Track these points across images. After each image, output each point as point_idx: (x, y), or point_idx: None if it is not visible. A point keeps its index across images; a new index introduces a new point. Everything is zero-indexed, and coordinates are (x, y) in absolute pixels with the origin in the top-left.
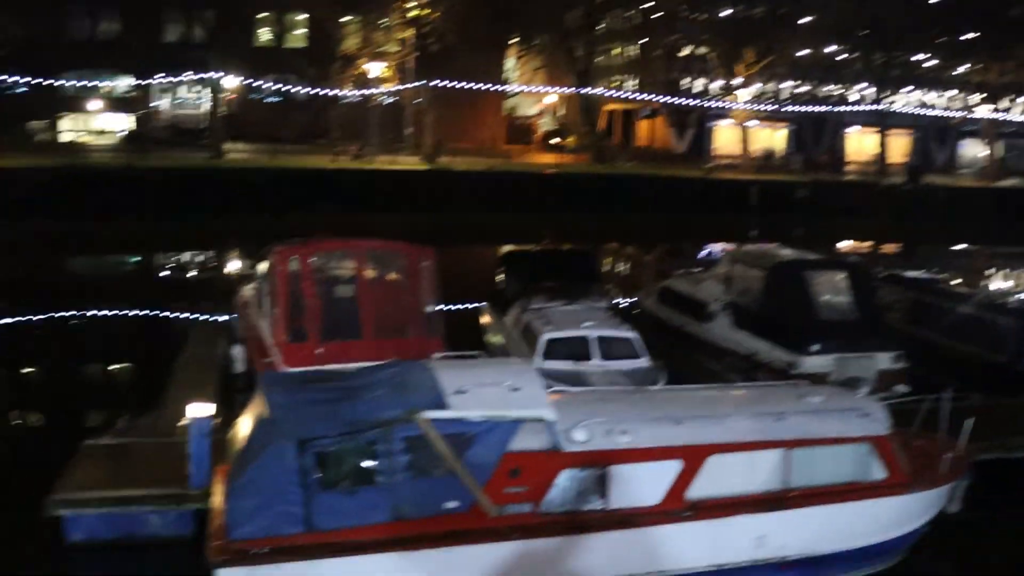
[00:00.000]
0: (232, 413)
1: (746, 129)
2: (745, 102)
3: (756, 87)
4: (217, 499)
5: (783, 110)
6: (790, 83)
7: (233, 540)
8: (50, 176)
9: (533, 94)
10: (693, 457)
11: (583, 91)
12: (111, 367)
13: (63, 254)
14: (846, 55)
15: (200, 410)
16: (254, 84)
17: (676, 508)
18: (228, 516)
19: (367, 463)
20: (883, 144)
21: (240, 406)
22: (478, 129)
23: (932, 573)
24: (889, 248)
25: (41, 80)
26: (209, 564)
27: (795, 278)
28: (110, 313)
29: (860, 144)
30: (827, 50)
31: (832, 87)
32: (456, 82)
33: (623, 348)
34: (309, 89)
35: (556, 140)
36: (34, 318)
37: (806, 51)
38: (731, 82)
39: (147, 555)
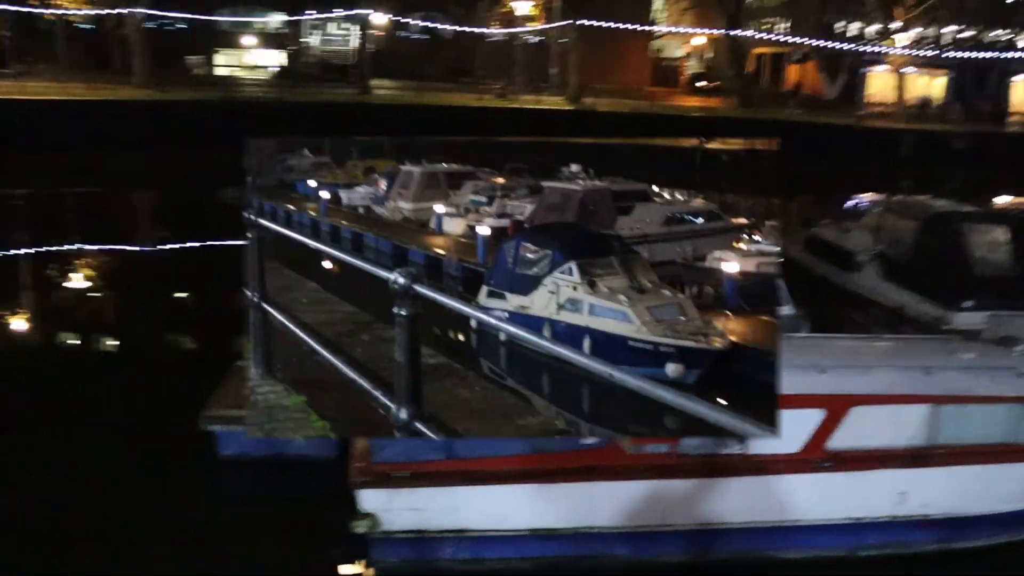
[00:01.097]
0: None
1: (902, 76)
2: (903, 47)
3: (915, 31)
4: None
5: (944, 56)
6: (953, 27)
7: (375, 463)
8: (208, 109)
9: (681, 35)
10: (836, 407)
11: (732, 33)
12: None
13: (218, 184)
14: None
15: None
16: (401, 21)
17: (816, 458)
18: (371, 440)
19: None
20: None
21: None
22: (623, 70)
23: None
24: None
25: (198, 16)
26: (351, 485)
27: (950, 230)
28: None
29: None
30: None
31: (999, 32)
32: (602, 22)
33: None
34: (455, 27)
35: (703, 83)
36: (195, 245)
37: None
38: (888, 26)
39: (293, 473)
